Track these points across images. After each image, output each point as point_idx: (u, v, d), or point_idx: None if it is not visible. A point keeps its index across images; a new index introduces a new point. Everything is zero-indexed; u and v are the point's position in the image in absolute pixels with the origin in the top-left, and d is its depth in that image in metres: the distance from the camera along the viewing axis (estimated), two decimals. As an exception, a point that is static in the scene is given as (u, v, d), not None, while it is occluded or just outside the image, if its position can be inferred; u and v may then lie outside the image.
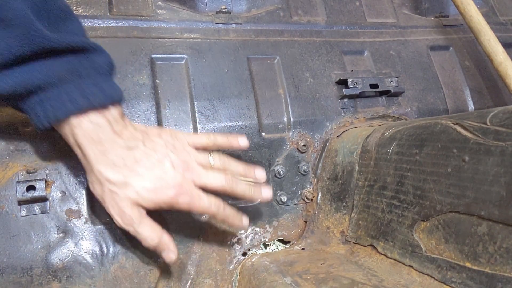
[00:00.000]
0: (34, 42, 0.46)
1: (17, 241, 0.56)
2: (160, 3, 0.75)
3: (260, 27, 0.79)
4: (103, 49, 0.53)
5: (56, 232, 0.58)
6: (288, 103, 0.74)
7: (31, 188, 0.56)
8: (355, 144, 0.68)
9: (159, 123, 0.67)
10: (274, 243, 0.71)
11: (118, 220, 0.53)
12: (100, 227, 0.60)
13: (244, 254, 0.68)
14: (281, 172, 0.72)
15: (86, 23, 0.68)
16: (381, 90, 0.79)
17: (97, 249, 0.59)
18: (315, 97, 0.76)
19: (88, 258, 0.58)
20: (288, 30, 0.81)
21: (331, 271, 0.55)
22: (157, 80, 0.68)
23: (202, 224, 0.67)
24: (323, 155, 0.74)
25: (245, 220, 0.62)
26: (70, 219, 0.59)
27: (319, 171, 0.74)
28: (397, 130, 0.58)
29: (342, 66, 0.81)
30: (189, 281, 0.64)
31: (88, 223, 0.60)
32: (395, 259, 0.53)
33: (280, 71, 0.76)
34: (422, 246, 0.49)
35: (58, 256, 0.57)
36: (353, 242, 0.63)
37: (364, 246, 0.60)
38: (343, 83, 0.78)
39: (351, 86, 0.77)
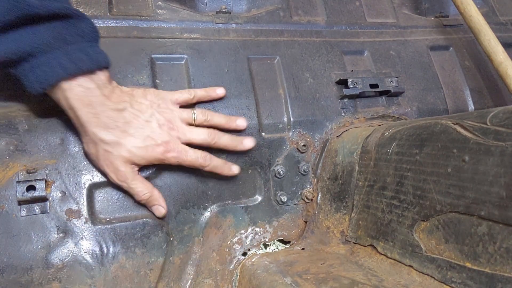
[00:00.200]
0: (20, 8, 0.49)
1: (17, 241, 0.56)
2: (160, 3, 0.75)
3: (260, 27, 0.79)
4: (86, 15, 0.56)
5: (56, 232, 0.58)
6: (288, 103, 0.74)
7: (31, 188, 0.56)
8: (355, 144, 0.68)
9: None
10: (274, 243, 0.71)
11: (113, 176, 0.59)
12: (100, 227, 0.60)
13: (244, 254, 0.68)
14: (281, 172, 0.72)
15: (86, 23, 0.68)
16: (381, 90, 0.79)
17: (97, 249, 0.59)
18: (315, 97, 0.76)
19: (88, 258, 0.58)
20: (288, 30, 0.81)
21: (331, 271, 0.55)
22: (157, 80, 0.68)
23: (202, 224, 0.67)
24: (323, 155, 0.74)
25: (234, 168, 0.66)
26: (70, 219, 0.59)
27: (319, 171, 0.74)
28: (397, 130, 0.58)
29: (342, 66, 0.81)
30: (189, 281, 0.64)
31: (88, 223, 0.60)
32: (395, 259, 0.53)
33: (280, 71, 0.76)
34: (422, 246, 0.49)
35: (58, 256, 0.57)
36: (353, 242, 0.63)
37: (364, 246, 0.60)
38: (343, 83, 0.78)
39: (351, 86, 0.77)
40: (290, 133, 0.73)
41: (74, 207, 0.59)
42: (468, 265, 0.42)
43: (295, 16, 0.83)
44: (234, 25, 0.77)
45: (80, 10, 0.69)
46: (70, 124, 0.61)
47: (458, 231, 0.44)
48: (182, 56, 0.71)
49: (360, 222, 0.62)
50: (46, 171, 0.59)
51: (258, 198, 0.71)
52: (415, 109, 0.83)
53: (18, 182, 0.56)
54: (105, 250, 0.60)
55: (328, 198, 0.71)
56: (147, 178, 0.62)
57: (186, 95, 0.66)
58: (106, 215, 0.62)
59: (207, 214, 0.67)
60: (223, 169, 0.65)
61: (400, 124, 0.60)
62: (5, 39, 0.50)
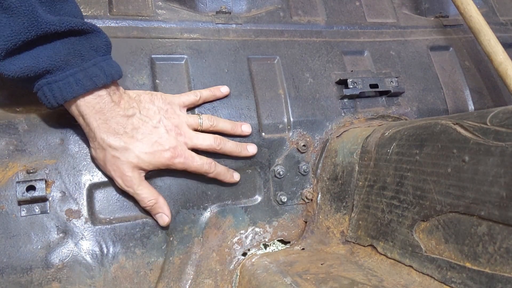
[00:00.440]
0: (38, 27, 0.50)
1: (17, 241, 0.55)
2: (160, 3, 0.75)
3: (260, 27, 0.79)
4: (100, 29, 0.57)
5: (56, 232, 0.58)
6: (288, 103, 0.74)
7: (31, 188, 0.56)
8: (355, 144, 0.68)
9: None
10: (274, 243, 0.71)
11: (120, 182, 0.59)
12: (100, 227, 0.60)
13: (244, 254, 0.68)
14: (281, 172, 0.72)
15: (86, 23, 0.68)
16: (381, 90, 0.79)
17: (97, 249, 0.59)
18: (315, 97, 0.76)
19: (88, 258, 0.58)
20: (288, 30, 0.81)
21: (331, 271, 0.55)
22: (157, 80, 0.68)
23: (202, 224, 0.67)
24: (323, 155, 0.74)
25: (235, 176, 0.68)
26: (70, 219, 0.59)
27: (319, 171, 0.74)
28: (397, 130, 0.58)
29: (342, 66, 0.81)
30: (189, 281, 0.64)
31: (88, 223, 0.60)
32: (395, 259, 0.53)
33: (280, 71, 0.76)
34: (422, 246, 0.49)
35: (58, 256, 0.57)
36: (353, 242, 0.63)
37: (364, 246, 0.60)
38: (343, 83, 0.78)
39: (351, 86, 0.77)
40: (290, 133, 0.73)
41: (74, 207, 0.59)
42: (468, 265, 0.42)
43: (295, 16, 0.83)
44: (234, 25, 0.77)
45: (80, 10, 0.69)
46: (70, 124, 0.61)
47: (458, 231, 0.44)
48: (182, 56, 0.71)
49: (360, 222, 0.62)
50: (46, 171, 0.59)
51: (258, 198, 0.71)
52: (415, 109, 0.83)
53: (18, 182, 0.56)
54: (105, 250, 0.60)
55: (328, 198, 0.71)
56: (147, 178, 0.62)
57: (192, 97, 0.66)
58: (106, 215, 0.62)
59: (207, 214, 0.67)
60: (226, 176, 0.67)
61: (400, 124, 0.60)
62: (23, 56, 0.51)
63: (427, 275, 0.47)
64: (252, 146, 0.69)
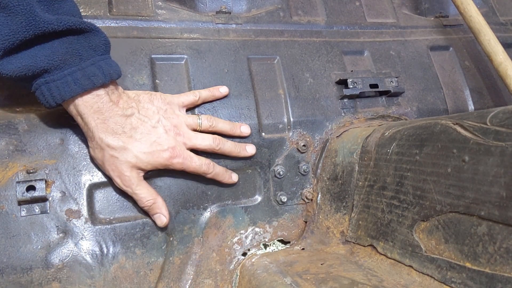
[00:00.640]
0: (36, 26, 0.49)
1: (17, 241, 0.55)
2: (160, 3, 0.75)
3: (260, 27, 0.79)
4: (98, 28, 0.56)
5: (56, 232, 0.58)
6: (288, 103, 0.74)
7: (31, 188, 0.56)
8: (355, 144, 0.68)
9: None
10: (274, 243, 0.71)
11: (118, 181, 0.59)
12: (100, 227, 0.60)
13: (244, 254, 0.68)
14: (281, 172, 0.72)
15: (86, 23, 0.68)
16: (381, 90, 0.79)
17: (97, 249, 0.59)
18: (315, 97, 0.76)
19: (88, 258, 0.58)
20: (288, 30, 0.81)
21: (331, 271, 0.55)
22: (157, 80, 0.68)
23: (202, 224, 0.67)
24: (323, 155, 0.74)
25: (234, 177, 0.68)
26: (70, 219, 0.59)
27: (319, 171, 0.74)
28: (397, 130, 0.58)
29: (342, 66, 0.81)
30: (189, 281, 0.64)
31: (88, 223, 0.60)
32: (395, 259, 0.53)
33: (280, 71, 0.76)
34: (422, 246, 0.48)
35: (58, 256, 0.57)
36: (353, 242, 0.63)
37: (364, 246, 0.60)
38: (343, 83, 0.78)
39: (351, 86, 0.77)
40: (290, 133, 0.73)
41: (74, 207, 0.59)
42: (468, 265, 0.42)
43: (295, 16, 0.83)
44: (234, 25, 0.77)
45: (80, 10, 0.69)
46: (70, 124, 0.61)
47: (458, 231, 0.44)
48: (182, 56, 0.71)
49: (360, 222, 0.62)
50: (46, 171, 0.59)
51: (258, 198, 0.71)
52: (415, 109, 0.83)
53: (18, 182, 0.56)
54: (105, 250, 0.60)
55: (328, 198, 0.71)
56: (147, 178, 0.62)
57: (191, 97, 0.66)
58: (106, 215, 0.62)
59: (207, 214, 0.67)
60: (224, 177, 0.67)
61: (400, 124, 0.60)
62: (21, 55, 0.51)
63: (427, 275, 0.47)
64: (251, 146, 0.69)
